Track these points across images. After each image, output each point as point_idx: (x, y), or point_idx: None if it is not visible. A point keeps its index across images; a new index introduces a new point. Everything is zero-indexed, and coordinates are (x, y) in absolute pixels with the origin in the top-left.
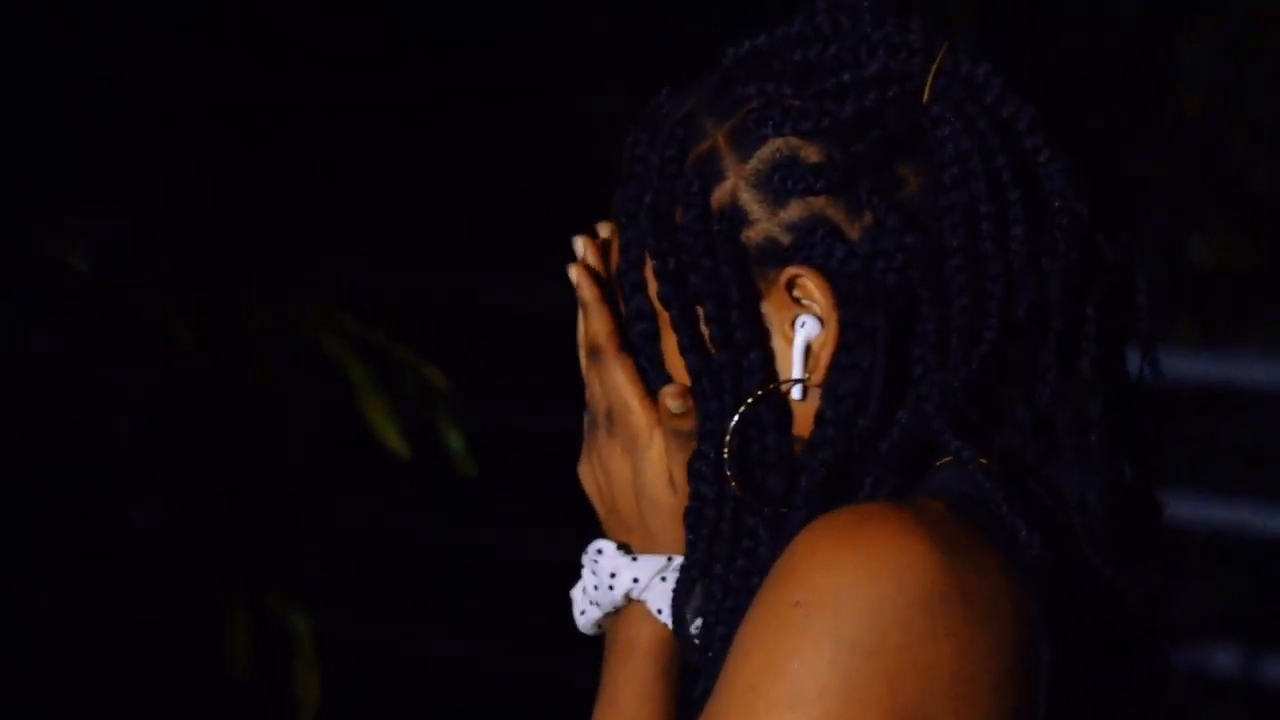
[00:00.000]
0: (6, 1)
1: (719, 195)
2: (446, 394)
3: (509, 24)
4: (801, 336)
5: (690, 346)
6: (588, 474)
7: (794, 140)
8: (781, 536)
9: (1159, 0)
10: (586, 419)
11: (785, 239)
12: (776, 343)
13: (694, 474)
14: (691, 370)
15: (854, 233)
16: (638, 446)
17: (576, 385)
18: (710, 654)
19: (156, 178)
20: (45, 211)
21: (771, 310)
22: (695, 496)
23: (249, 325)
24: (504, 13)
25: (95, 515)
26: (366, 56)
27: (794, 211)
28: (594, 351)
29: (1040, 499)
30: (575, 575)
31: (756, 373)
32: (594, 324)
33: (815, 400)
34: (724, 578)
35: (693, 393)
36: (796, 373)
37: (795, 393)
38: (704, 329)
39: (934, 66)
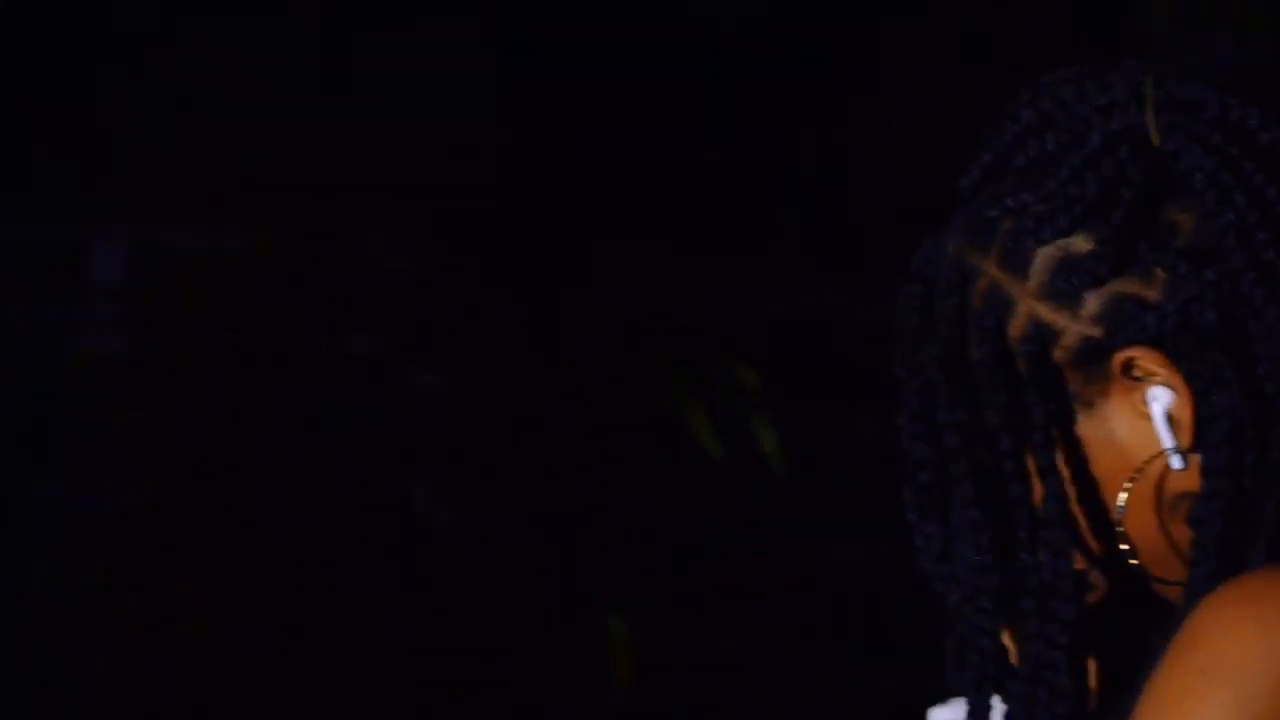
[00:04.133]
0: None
1: (1015, 324)
2: (760, 394)
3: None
4: (1159, 408)
5: (1017, 475)
6: None
7: (1060, 241)
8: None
9: None
10: None
11: (1098, 332)
12: (1135, 426)
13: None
14: (1052, 495)
15: (1155, 294)
16: None
17: (889, 397)
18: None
19: (475, 182)
20: (372, 215)
21: (1116, 402)
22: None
23: (574, 329)
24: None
25: (402, 518)
26: (690, 71)
27: (1093, 305)
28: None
29: None
30: (893, 588)
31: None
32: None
33: (1194, 466)
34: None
35: (1050, 508)
36: (1168, 443)
37: (1175, 463)
38: (1006, 464)
39: (1148, 108)
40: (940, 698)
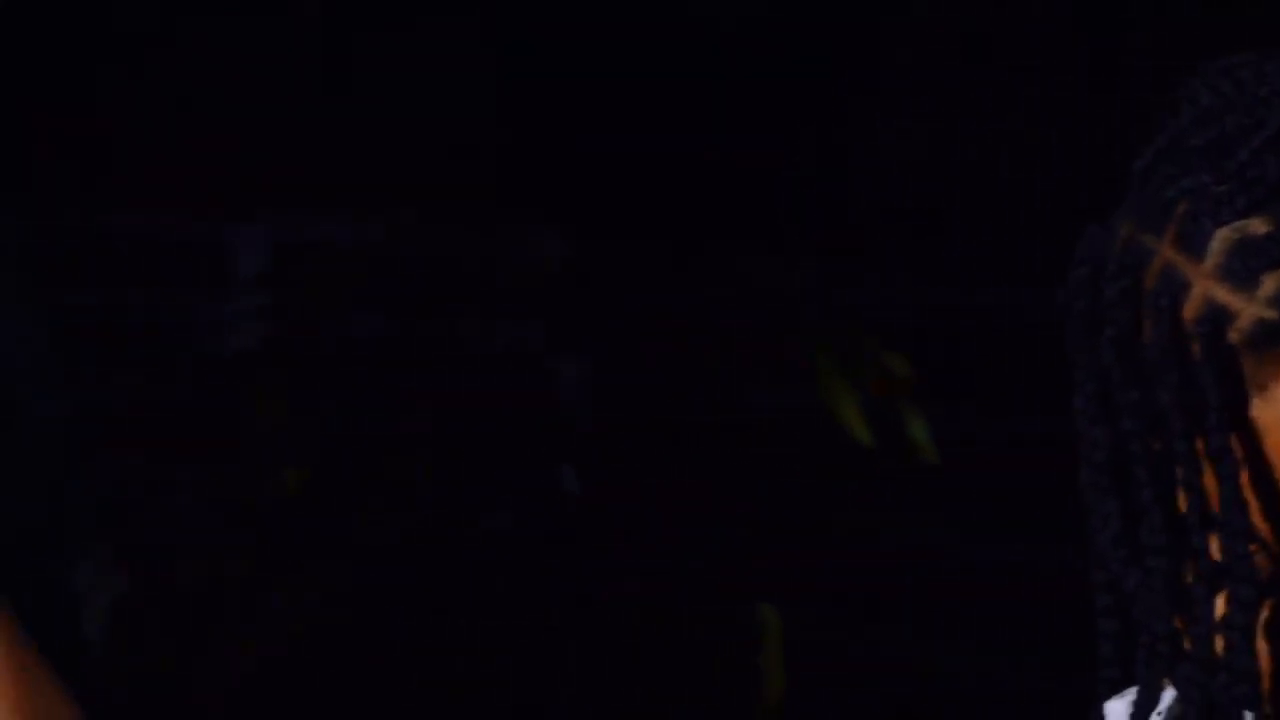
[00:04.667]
0: None
1: (1190, 306)
2: (910, 383)
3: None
4: None
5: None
6: None
7: (1237, 223)
8: None
9: None
10: None
11: (1274, 315)
12: None
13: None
14: (1224, 475)
15: None
16: None
17: (1042, 391)
18: None
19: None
20: (517, 215)
21: None
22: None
23: (717, 319)
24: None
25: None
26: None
27: (1269, 287)
28: None
29: None
30: (1043, 584)
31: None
32: None
33: None
34: None
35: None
36: None
37: None
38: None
39: None
40: (1088, 693)
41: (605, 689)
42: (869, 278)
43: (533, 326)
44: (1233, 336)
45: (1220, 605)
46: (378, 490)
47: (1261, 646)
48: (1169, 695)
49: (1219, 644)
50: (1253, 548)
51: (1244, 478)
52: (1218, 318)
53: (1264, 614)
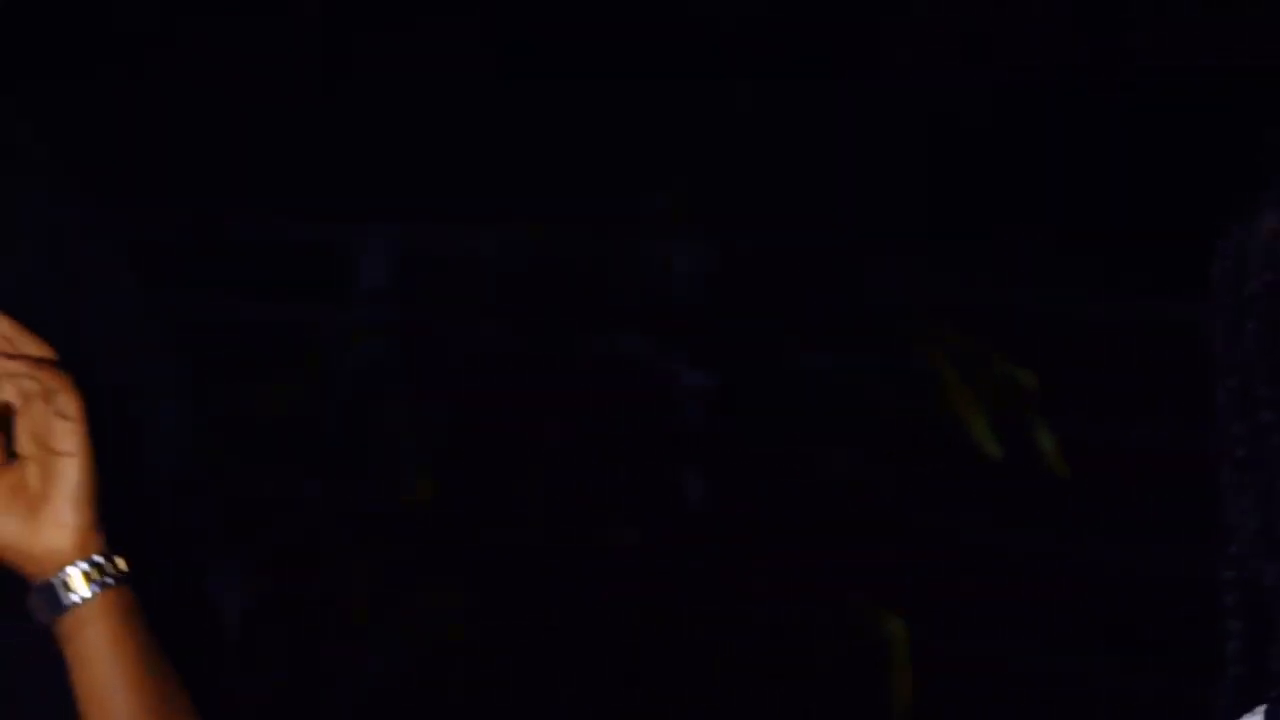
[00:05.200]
0: None
1: None
2: (1036, 394)
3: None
4: None
5: None
6: None
7: None
8: None
9: None
10: None
11: None
12: None
13: None
14: None
15: None
16: None
17: (1171, 400)
18: None
19: (740, 185)
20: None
21: None
22: None
23: (848, 331)
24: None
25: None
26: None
27: None
28: None
29: None
30: (1165, 591)
31: None
32: None
33: None
34: None
35: None
36: None
37: None
38: None
39: None
40: (1211, 696)
41: (733, 700)
42: (995, 288)
43: (656, 337)
44: None
45: None
46: (503, 501)
47: None
48: None
49: None
50: None
51: None
52: None
53: None
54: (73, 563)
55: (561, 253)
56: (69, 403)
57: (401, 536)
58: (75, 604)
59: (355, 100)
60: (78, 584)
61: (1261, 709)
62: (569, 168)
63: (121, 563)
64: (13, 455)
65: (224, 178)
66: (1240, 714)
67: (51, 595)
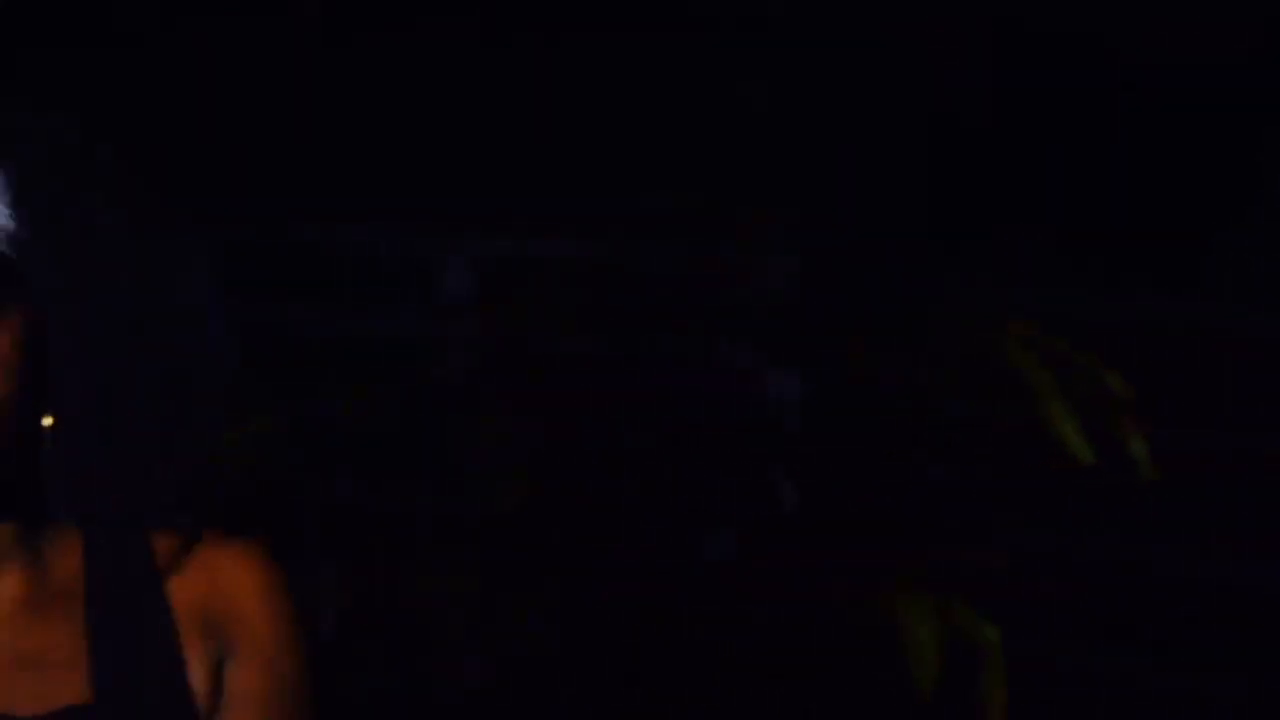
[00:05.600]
0: None
1: None
2: (1130, 400)
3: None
4: None
5: None
6: None
7: None
8: None
9: None
10: None
11: None
12: None
13: None
14: None
15: None
16: None
17: (1269, 405)
18: None
19: (834, 192)
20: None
21: None
22: None
23: (935, 340)
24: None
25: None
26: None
27: None
28: None
29: None
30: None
31: None
32: None
33: None
34: None
35: None
36: None
37: None
38: None
39: None
40: None
41: (827, 704)
42: (1086, 292)
43: (749, 344)
44: None
45: None
46: (596, 508)
47: None
48: None
49: None
50: None
51: None
52: None
53: None
54: None
55: (652, 258)
56: None
57: (494, 544)
58: None
59: (435, 107)
60: None
61: None
62: (653, 172)
63: None
64: None
65: (305, 187)
66: None
67: None
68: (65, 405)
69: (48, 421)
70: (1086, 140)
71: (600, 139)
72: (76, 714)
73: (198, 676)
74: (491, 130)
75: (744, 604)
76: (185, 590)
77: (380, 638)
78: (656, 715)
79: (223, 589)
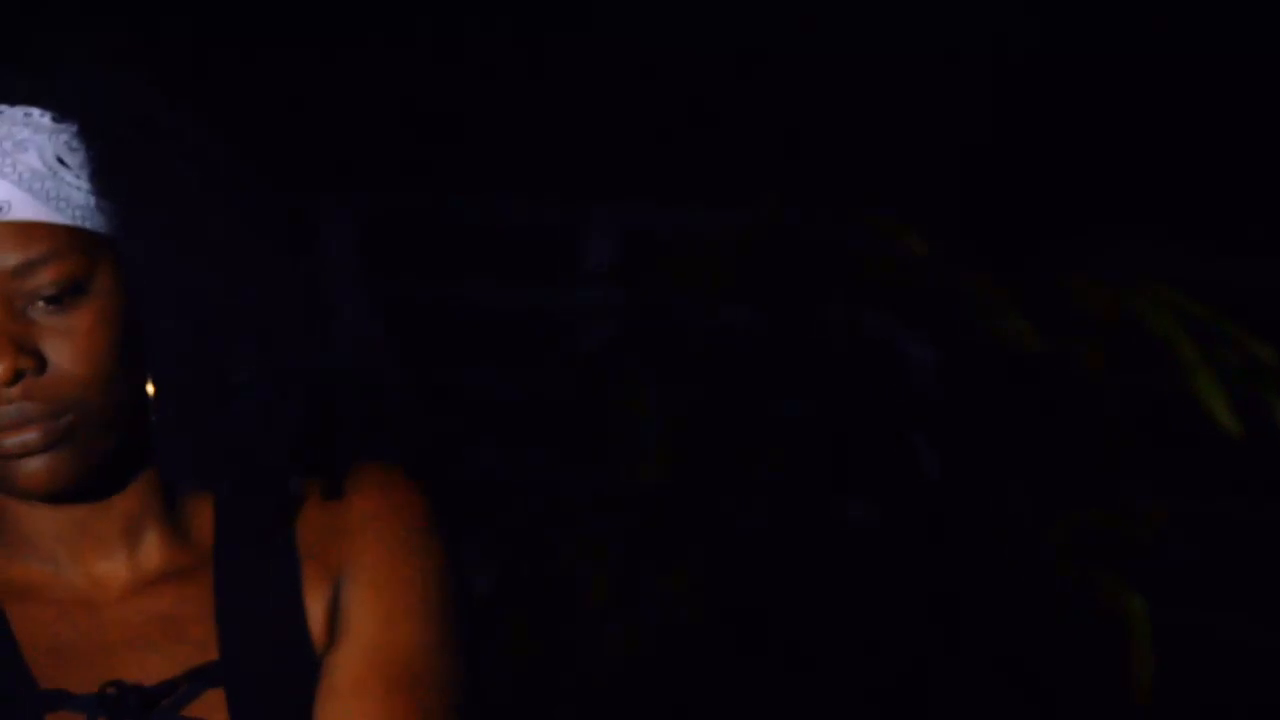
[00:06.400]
0: None
1: None
2: (1277, 370)
3: None
4: None
5: None
6: None
7: None
8: None
9: None
10: None
11: None
12: None
13: None
14: None
15: None
16: None
17: None
18: None
19: (973, 159)
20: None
21: None
22: None
23: (1078, 306)
24: None
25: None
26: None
27: None
28: None
29: None
30: None
31: None
32: None
33: None
34: None
35: None
36: None
37: None
38: None
39: None
40: None
41: (971, 676)
42: (1234, 261)
43: (891, 311)
44: None
45: None
46: (741, 479)
47: None
48: None
49: None
50: None
51: None
52: None
53: None
54: None
55: (796, 229)
56: None
57: (639, 516)
58: None
59: (576, 79)
60: None
61: None
62: (796, 144)
63: None
64: None
65: (449, 163)
66: None
67: None
68: (166, 372)
69: (150, 390)
70: (1226, 103)
71: (745, 109)
72: (201, 674)
73: (315, 616)
74: (635, 102)
75: (888, 571)
76: (310, 532)
77: (525, 607)
78: (797, 684)
79: (340, 517)
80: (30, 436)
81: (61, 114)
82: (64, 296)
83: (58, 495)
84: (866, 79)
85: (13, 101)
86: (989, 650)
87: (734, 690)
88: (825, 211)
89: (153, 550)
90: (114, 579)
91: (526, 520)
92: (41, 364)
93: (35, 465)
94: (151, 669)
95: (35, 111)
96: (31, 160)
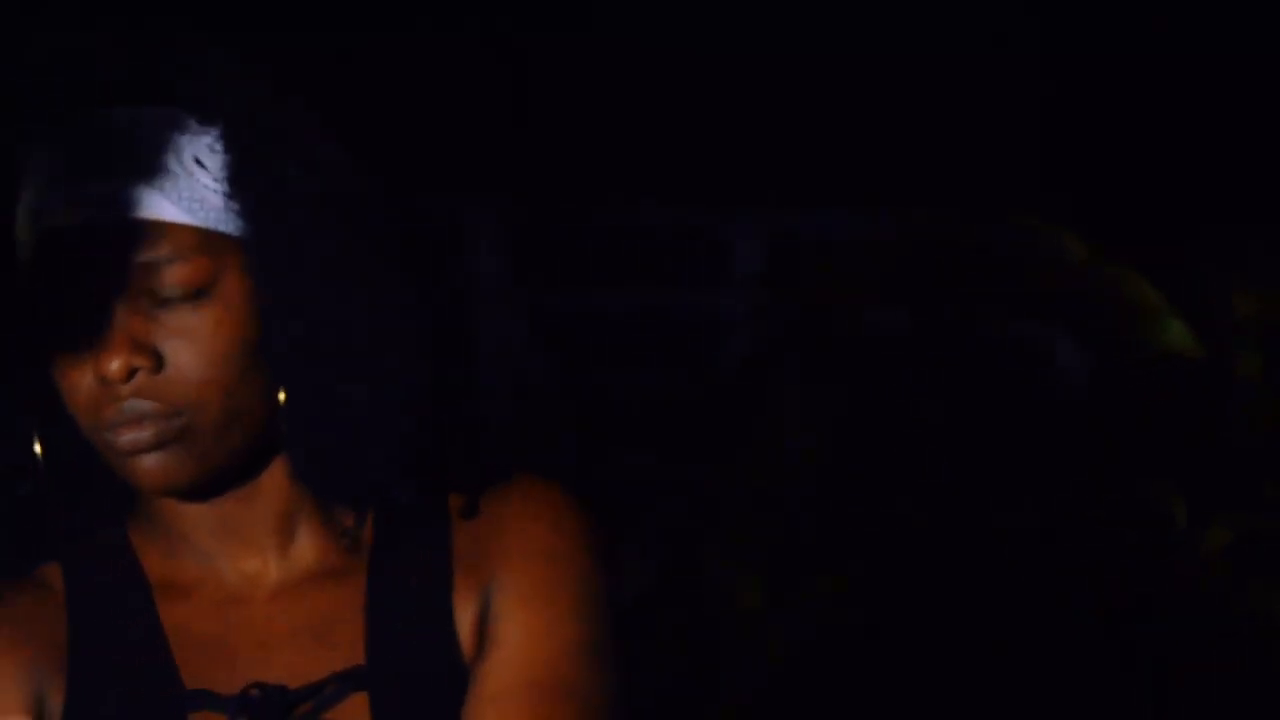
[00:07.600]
0: None
1: None
2: None
3: None
4: None
5: None
6: None
7: None
8: None
9: None
10: None
11: None
12: None
13: None
14: None
15: None
16: None
17: None
18: None
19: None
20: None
21: None
22: None
23: (1236, 309)
24: None
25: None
26: None
27: None
28: None
29: None
30: None
31: None
32: None
33: None
34: None
35: None
36: None
37: None
38: None
39: None
40: None
41: (1121, 686)
42: None
43: (1041, 319)
44: None
45: None
46: (892, 484)
47: None
48: None
49: None
50: None
51: None
52: None
53: None
54: None
55: (947, 237)
56: None
57: (790, 521)
58: None
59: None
60: None
61: None
62: (939, 150)
63: None
64: None
65: (594, 166)
66: None
67: None
68: (294, 382)
69: (281, 397)
70: None
71: (885, 112)
72: (346, 678)
73: (464, 625)
74: (781, 105)
75: (1044, 576)
76: (464, 542)
77: (679, 612)
78: (954, 690)
79: (494, 528)
80: (143, 435)
81: (206, 117)
82: (188, 297)
83: (176, 492)
84: (1007, 80)
85: (156, 100)
86: (1148, 653)
87: (888, 697)
88: (970, 213)
89: (306, 549)
90: (265, 576)
91: (678, 525)
92: (159, 363)
93: (148, 463)
94: (297, 669)
95: (179, 112)
96: (169, 160)
